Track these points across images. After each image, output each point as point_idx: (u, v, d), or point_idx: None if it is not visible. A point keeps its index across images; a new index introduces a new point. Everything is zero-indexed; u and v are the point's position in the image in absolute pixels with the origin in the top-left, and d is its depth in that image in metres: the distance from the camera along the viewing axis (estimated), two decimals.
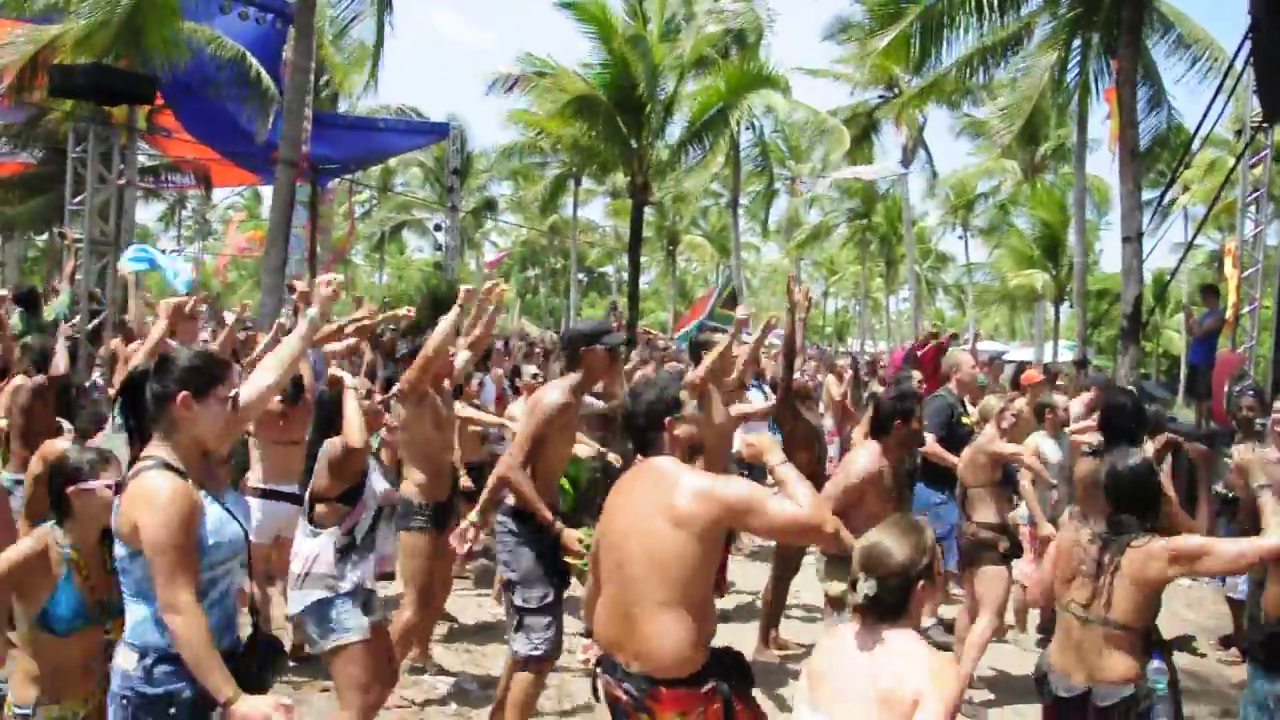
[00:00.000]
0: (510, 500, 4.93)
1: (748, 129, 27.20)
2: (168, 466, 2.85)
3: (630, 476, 3.52)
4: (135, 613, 2.86)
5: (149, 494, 2.79)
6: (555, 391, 4.92)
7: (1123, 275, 13.29)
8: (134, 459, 2.97)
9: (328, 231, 28.45)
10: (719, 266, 51.92)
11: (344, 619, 4.29)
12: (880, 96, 28.60)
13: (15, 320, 8.79)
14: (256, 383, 3.23)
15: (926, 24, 15.51)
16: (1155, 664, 3.80)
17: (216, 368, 3.00)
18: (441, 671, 6.19)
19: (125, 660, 2.84)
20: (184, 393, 2.90)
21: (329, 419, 4.48)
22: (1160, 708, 3.74)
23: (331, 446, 4.38)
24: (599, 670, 3.41)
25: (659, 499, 3.27)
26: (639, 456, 3.56)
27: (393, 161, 35.09)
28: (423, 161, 37.24)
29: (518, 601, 4.80)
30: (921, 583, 2.83)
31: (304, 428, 5.11)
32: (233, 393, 3.02)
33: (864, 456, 4.94)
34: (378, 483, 4.54)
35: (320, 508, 4.43)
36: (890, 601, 2.81)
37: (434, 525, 5.65)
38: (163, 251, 12.09)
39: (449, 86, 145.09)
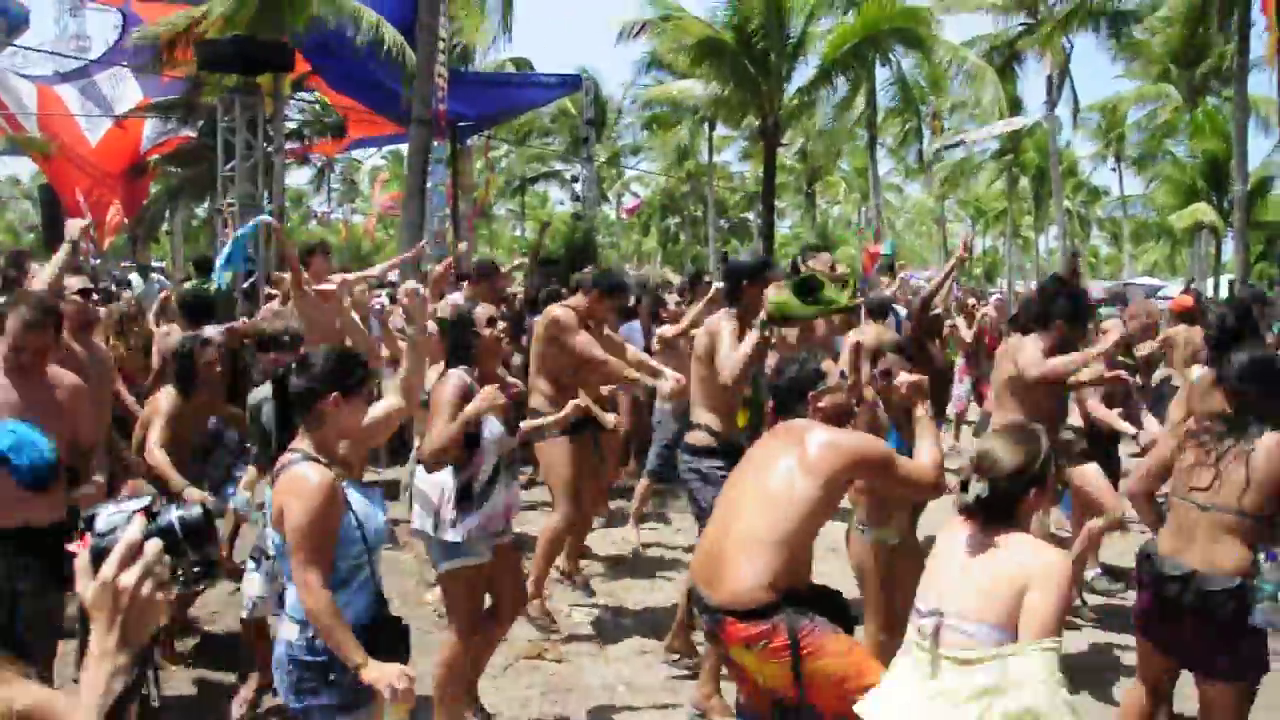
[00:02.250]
0: (696, 440, 5.14)
1: (883, 66, 26.51)
2: (313, 459, 3.06)
3: (768, 434, 3.76)
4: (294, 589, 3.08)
5: (297, 484, 3.00)
6: (729, 323, 5.07)
7: None
8: (279, 450, 3.20)
9: (468, 188, 29.08)
10: (860, 208, 50.97)
11: (452, 550, 4.41)
12: (1022, 24, 27.40)
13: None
14: (384, 404, 3.54)
15: None
16: (1268, 562, 3.63)
17: (361, 368, 3.21)
18: (589, 591, 6.47)
19: (288, 631, 3.10)
20: (335, 393, 3.09)
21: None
22: (1264, 608, 3.57)
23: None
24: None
25: (789, 448, 3.46)
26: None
27: (527, 115, 35.45)
28: (560, 112, 37.54)
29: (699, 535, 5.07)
30: (1033, 489, 2.92)
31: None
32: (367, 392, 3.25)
33: None
34: (494, 427, 4.48)
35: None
36: (999, 504, 2.91)
37: (571, 432, 5.79)
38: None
39: (578, 36, 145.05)
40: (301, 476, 3.01)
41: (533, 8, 63.27)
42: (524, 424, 5.06)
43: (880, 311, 7.62)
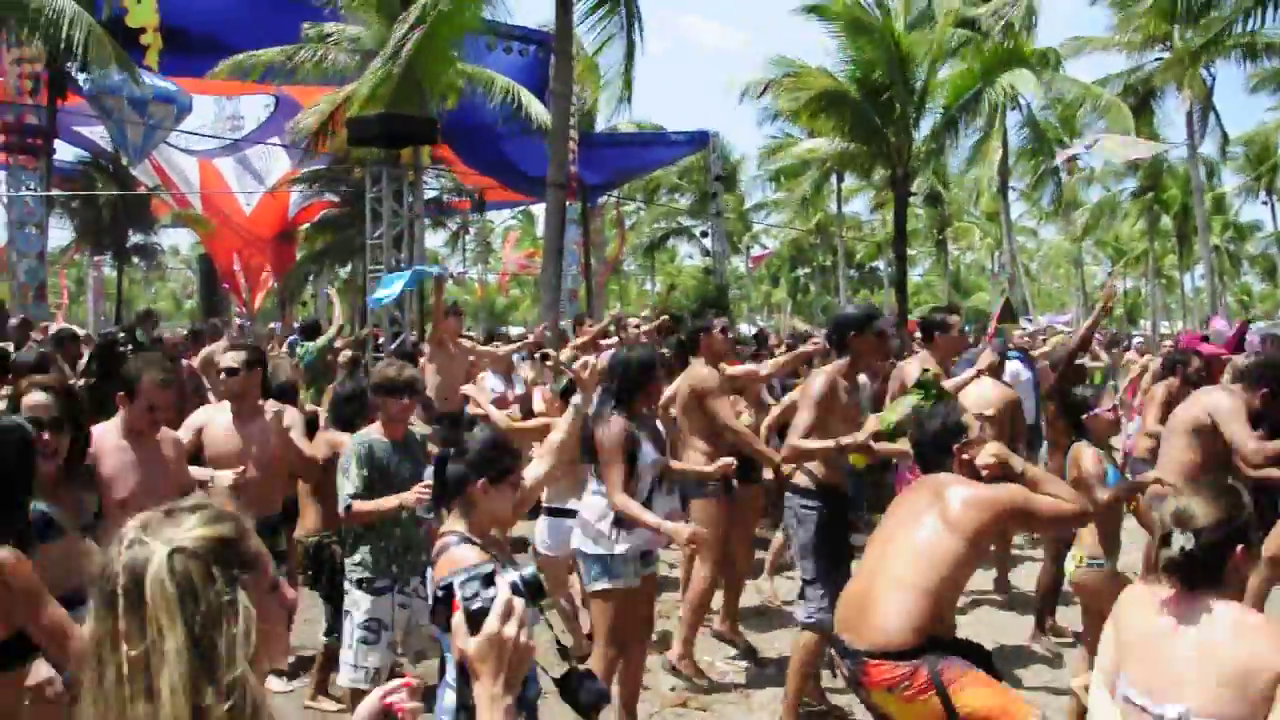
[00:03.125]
0: (798, 480, 5.24)
1: (1012, 109, 26.15)
2: (469, 540, 3.17)
3: (913, 487, 3.84)
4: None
5: (456, 565, 3.06)
6: (821, 376, 5.15)
7: None
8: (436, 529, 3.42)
9: (600, 245, 29.71)
10: (994, 253, 49.99)
11: (608, 569, 4.68)
12: (1157, 59, 26.70)
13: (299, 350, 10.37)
14: (534, 471, 3.74)
15: None
16: None
17: (510, 457, 3.35)
18: (750, 651, 6.46)
19: (449, 699, 3.14)
20: (482, 480, 3.20)
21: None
22: None
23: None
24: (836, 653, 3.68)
25: (933, 503, 3.58)
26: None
27: (655, 173, 36.10)
28: (686, 170, 38.08)
29: (799, 572, 5.21)
30: (1239, 545, 2.66)
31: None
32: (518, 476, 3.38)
33: None
34: (649, 452, 4.79)
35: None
36: (1206, 561, 2.64)
37: (724, 491, 5.95)
38: (451, 275, 13.16)
39: (703, 94, 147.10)
40: (460, 557, 3.09)
41: (657, 74, 64.53)
42: (676, 464, 5.28)
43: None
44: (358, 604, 4.72)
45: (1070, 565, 4.92)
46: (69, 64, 16.28)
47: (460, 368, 9.03)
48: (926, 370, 5.14)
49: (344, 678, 4.73)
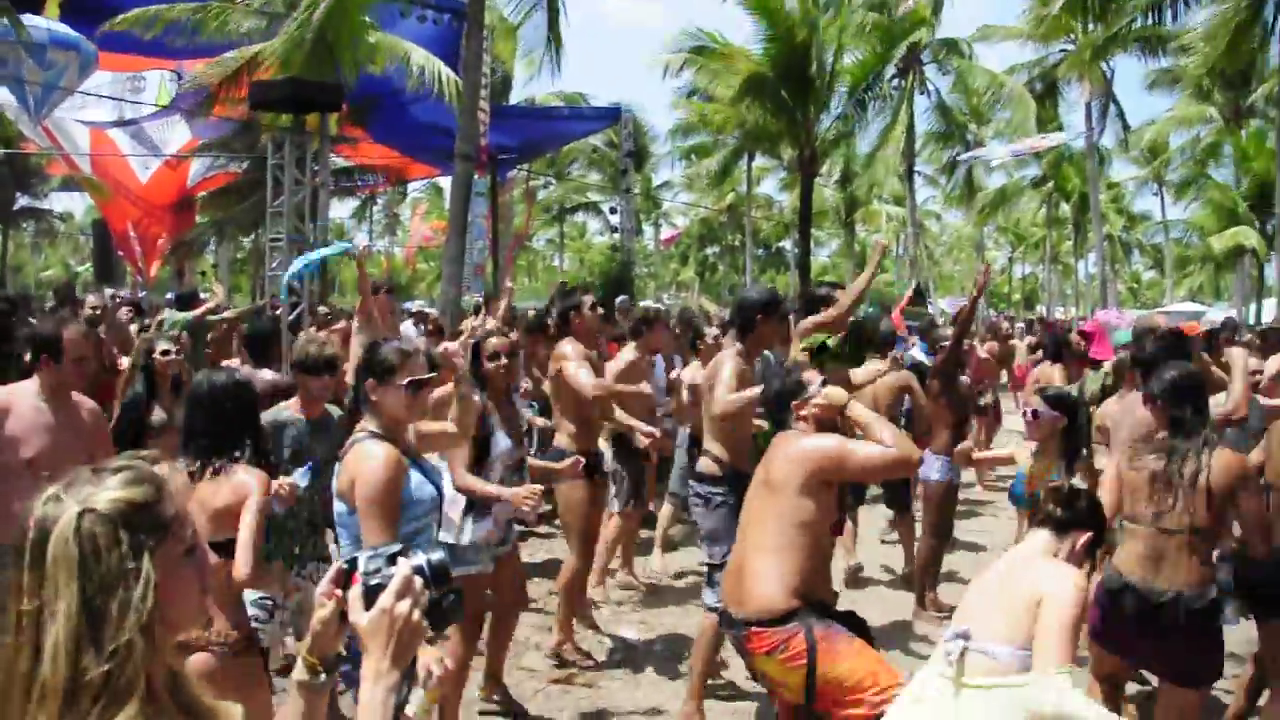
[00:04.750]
0: (703, 466, 5.26)
1: (921, 93, 26.61)
2: (376, 435, 3.37)
3: (770, 449, 3.90)
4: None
5: (365, 457, 3.31)
6: (732, 360, 5.14)
7: None
8: (350, 431, 3.52)
9: (508, 219, 29.42)
10: (899, 236, 50.89)
11: (456, 558, 4.54)
12: (1061, 51, 27.33)
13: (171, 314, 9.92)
14: (439, 425, 4.00)
15: None
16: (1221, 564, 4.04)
17: (394, 357, 3.48)
18: (594, 627, 6.50)
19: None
20: (370, 379, 3.44)
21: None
22: (1230, 609, 4.05)
23: None
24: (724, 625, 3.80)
25: (770, 464, 3.71)
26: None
27: (568, 147, 35.88)
28: (596, 146, 37.90)
29: (705, 557, 5.23)
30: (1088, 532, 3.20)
31: None
32: (408, 381, 3.46)
33: None
34: (502, 440, 4.82)
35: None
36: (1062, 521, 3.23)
37: (586, 474, 5.89)
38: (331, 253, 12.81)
39: (618, 67, 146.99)
40: (368, 452, 3.31)
41: (579, 47, 63.91)
42: (532, 461, 5.28)
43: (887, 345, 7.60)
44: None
45: None
46: None
47: None
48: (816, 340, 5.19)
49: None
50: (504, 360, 5.02)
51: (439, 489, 3.56)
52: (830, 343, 5.09)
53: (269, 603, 4.54)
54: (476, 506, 4.68)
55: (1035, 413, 4.89)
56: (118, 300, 13.36)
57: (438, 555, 1.68)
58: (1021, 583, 2.93)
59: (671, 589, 7.49)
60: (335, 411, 5.00)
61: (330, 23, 13.19)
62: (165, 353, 5.56)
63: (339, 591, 1.65)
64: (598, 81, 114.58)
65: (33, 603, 1.35)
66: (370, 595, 1.60)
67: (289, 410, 4.71)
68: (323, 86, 12.74)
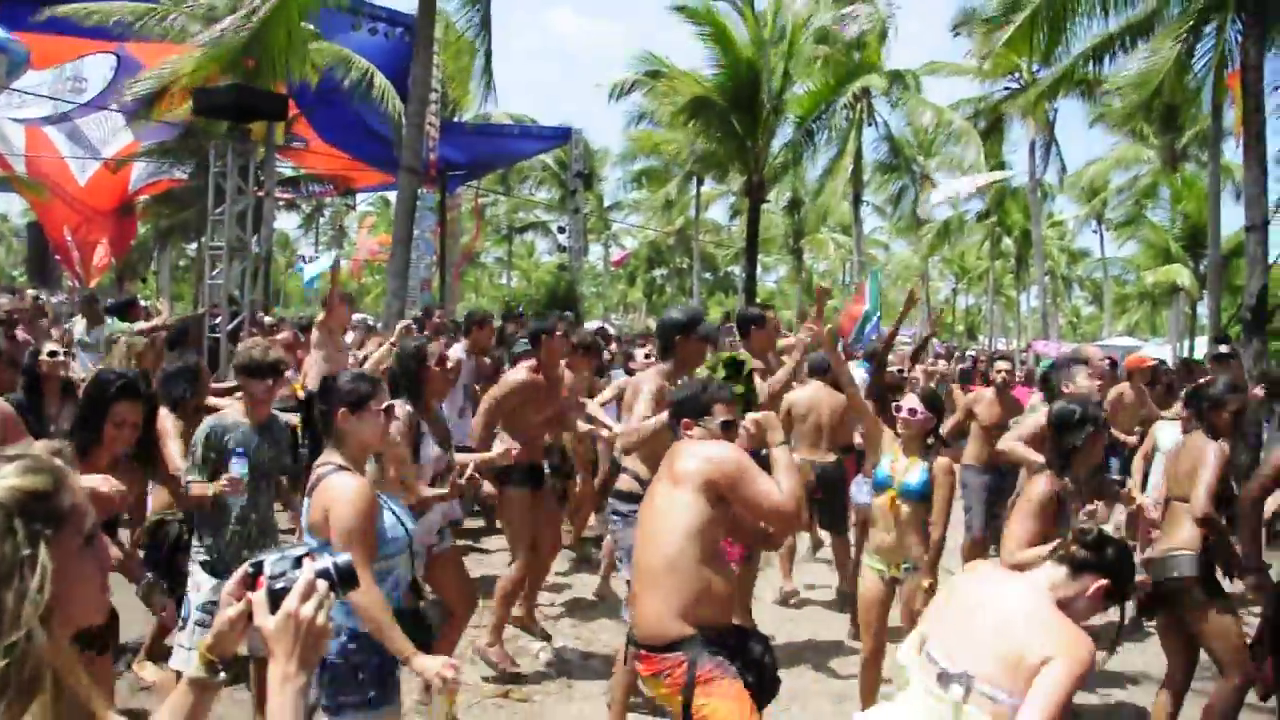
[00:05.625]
0: (621, 485, 5.25)
1: (869, 125, 26.99)
2: (343, 468, 3.38)
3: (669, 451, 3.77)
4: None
5: (338, 490, 3.31)
6: (653, 379, 5.16)
7: (1247, 265, 12.84)
8: (309, 465, 3.56)
9: (456, 235, 29.31)
10: (845, 264, 51.43)
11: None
12: (1006, 89, 27.92)
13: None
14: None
15: (1053, 13, 15.16)
16: None
17: (367, 385, 3.53)
18: (546, 637, 6.47)
19: None
20: (343, 408, 3.44)
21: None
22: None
23: None
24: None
25: (672, 461, 3.56)
26: None
27: (518, 166, 35.91)
28: (546, 164, 37.95)
29: (626, 576, 5.11)
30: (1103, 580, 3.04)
31: None
32: (384, 405, 3.53)
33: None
34: (429, 449, 4.82)
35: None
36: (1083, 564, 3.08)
37: (529, 484, 5.96)
38: (302, 258, 12.78)
39: (570, 85, 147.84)
40: (340, 484, 3.32)
41: (527, 70, 63.98)
42: (467, 457, 5.23)
43: (820, 370, 7.71)
44: (199, 586, 4.46)
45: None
46: None
47: (345, 359, 8.87)
48: (738, 355, 5.23)
49: (176, 659, 4.47)
50: (448, 365, 5.05)
51: (408, 531, 3.58)
52: (744, 362, 5.09)
53: (213, 606, 4.46)
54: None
55: (913, 410, 5.06)
56: (39, 301, 13.09)
57: (344, 558, 1.67)
58: (1028, 636, 2.74)
59: (609, 606, 7.47)
60: (282, 417, 5.00)
61: (271, 27, 13.09)
62: (53, 354, 5.49)
63: (248, 593, 1.63)
64: (552, 101, 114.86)
65: None
66: (275, 598, 1.59)
67: (233, 414, 4.63)
68: (268, 95, 12.66)
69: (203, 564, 4.51)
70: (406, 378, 4.86)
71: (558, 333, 6.17)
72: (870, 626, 5.05)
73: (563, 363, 6.44)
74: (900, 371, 8.38)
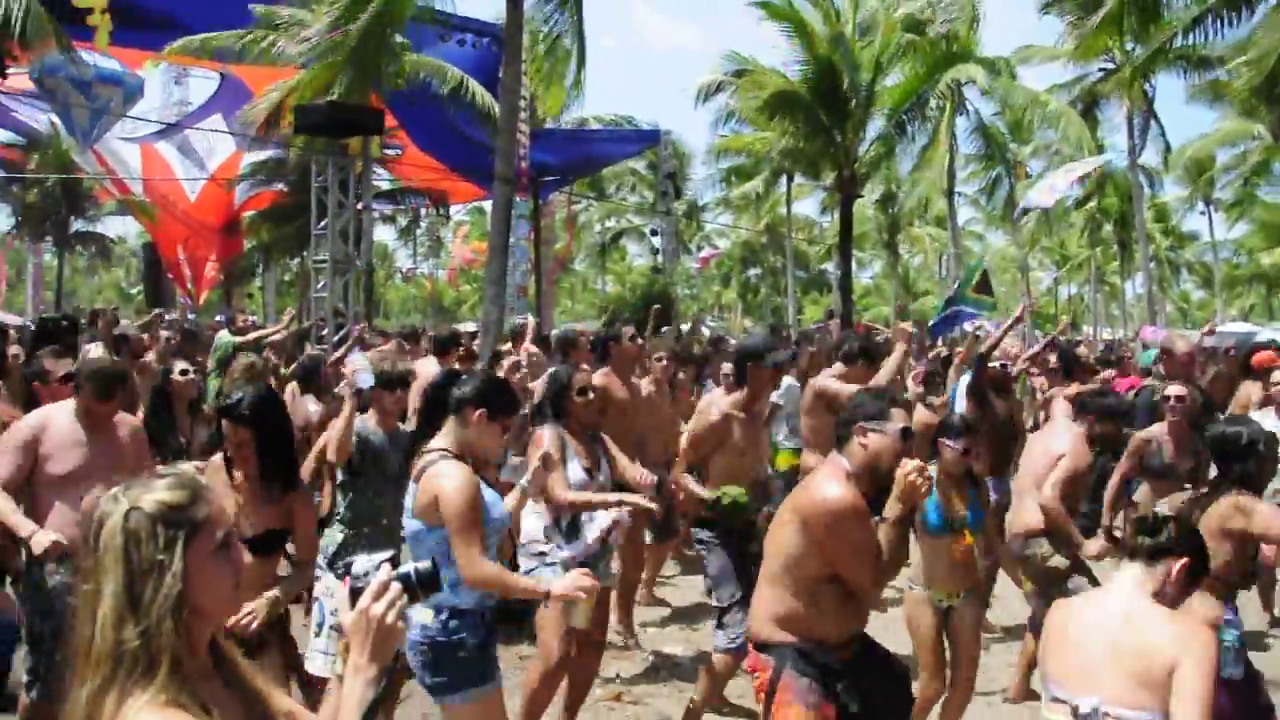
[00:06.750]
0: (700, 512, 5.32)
1: (960, 114, 26.51)
2: (450, 455, 3.54)
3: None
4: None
5: (446, 476, 3.48)
6: (716, 408, 5.29)
7: None
8: (418, 446, 3.71)
9: (550, 242, 29.65)
10: (941, 257, 50.58)
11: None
12: (1101, 70, 27.15)
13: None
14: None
15: None
16: (1229, 615, 3.89)
17: (512, 401, 3.73)
18: (636, 646, 6.59)
19: (423, 615, 3.45)
20: (480, 410, 3.58)
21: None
22: (1230, 657, 3.78)
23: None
24: None
25: (795, 491, 3.60)
26: None
27: (609, 171, 36.14)
28: (635, 169, 38.13)
29: (713, 600, 5.25)
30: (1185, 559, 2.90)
31: None
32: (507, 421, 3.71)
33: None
34: (578, 471, 4.93)
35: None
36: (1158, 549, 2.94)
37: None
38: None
39: (658, 89, 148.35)
40: (448, 471, 3.49)
41: (614, 70, 64.28)
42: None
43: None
44: (332, 592, 4.58)
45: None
46: (8, 43, 15.92)
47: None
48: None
49: (315, 665, 4.57)
50: (591, 396, 5.13)
51: (496, 514, 3.73)
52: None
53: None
54: (565, 530, 4.85)
55: (951, 442, 4.84)
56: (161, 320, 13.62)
57: (425, 565, 1.84)
58: (1143, 642, 2.66)
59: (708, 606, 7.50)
60: (405, 429, 5.11)
61: (364, 45, 13.48)
62: (184, 372, 5.77)
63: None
64: (639, 104, 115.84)
65: (91, 584, 1.62)
66: (355, 597, 1.76)
67: (368, 424, 4.87)
68: (365, 110, 13.02)
69: (334, 569, 4.66)
70: (553, 402, 5.03)
71: (624, 340, 6.20)
72: (932, 665, 4.79)
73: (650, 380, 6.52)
74: (1004, 365, 7.93)
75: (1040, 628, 5.43)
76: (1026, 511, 5.44)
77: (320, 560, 4.68)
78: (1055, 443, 5.55)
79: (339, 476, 4.79)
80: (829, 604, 3.34)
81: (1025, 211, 29.28)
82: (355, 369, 4.84)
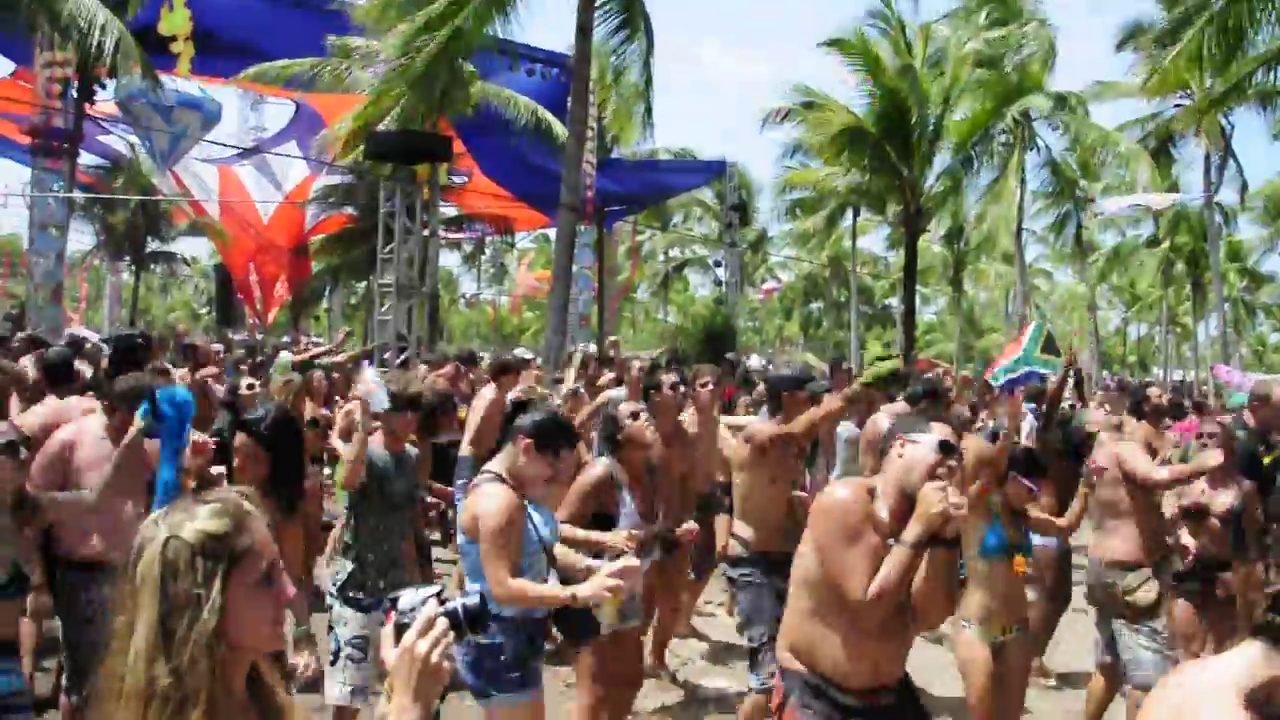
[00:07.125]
0: (732, 549, 5.30)
1: (1030, 150, 26.21)
2: (500, 479, 3.72)
3: None
4: (471, 586, 3.68)
5: (487, 496, 3.68)
6: (758, 433, 5.26)
7: None
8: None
9: (614, 272, 29.82)
10: (1009, 293, 49.96)
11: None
12: (1176, 105, 26.69)
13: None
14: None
15: (1227, 23, 14.54)
16: None
17: (564, 439, 3.83)
18: (674, 681, 6.52)
19: None
20: (529, 441, 3.75)
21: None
22: None
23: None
24: None
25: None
26: None
27: (674, 201, 36.30)
28: (701, 200, 38.24)
29: (745, 640, 5.23)
30: None
31: None
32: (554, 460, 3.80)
33: None
34: (628, 510, 4.72)
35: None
36: None
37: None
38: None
39: (724, 122, 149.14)
40: (490, 493, 3.68)
41: (680, 103, 64.71)
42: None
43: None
44: (344, 620, 4.57)
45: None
46: (98, 69, 16.50)
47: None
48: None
49: (332, 694, 4.52)
50: (642, 419, 4.84)
51: (542, 537, 3.84)
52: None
53: (362, 640, 4.55)
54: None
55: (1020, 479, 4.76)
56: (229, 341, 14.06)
57: (473, 600, 1.73)
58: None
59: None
60: (412, 451, 4.98)
61: (434, 73, 13.73)
62: (250, 386, 6.10)
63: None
64: (705, 138, 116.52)
65: (127, 615, 1.54)
66: (400, 632, 1.66)
67: (375, 446, 4.71)
68: (435, 137, 13.23)
69: (344, 599, 4.57)
70: (608, 441, 4.86)
71: (664, 388, 5.70)
72: (985, 713, 4.56)
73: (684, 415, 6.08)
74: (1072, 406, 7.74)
75: (1110, 670, 5.33)
76: (1114, 542, 5.35)
77: (330, 588, 4.68)
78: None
79: (347, 500, 4.69)
80: (840, 628, 3.16)
81: (1098, 215, 28.86)
82: (368, 389, 4.60)
